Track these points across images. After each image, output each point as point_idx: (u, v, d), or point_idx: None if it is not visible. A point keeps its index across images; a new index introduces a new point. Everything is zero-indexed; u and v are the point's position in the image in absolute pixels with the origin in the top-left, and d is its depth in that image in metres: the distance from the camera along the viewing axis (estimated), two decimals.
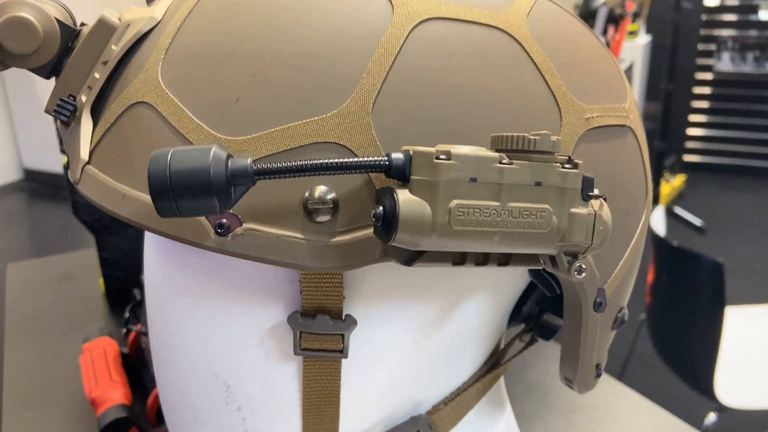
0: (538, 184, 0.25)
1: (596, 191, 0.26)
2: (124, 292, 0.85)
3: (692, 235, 2.85)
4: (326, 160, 0.24)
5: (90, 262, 1.03)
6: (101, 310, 0.89)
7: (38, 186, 3.57)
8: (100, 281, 0.91)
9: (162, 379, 0.37)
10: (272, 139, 0.26)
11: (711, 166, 3.52)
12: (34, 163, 3.60)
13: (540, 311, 0.39)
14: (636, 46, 3.06)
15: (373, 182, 0.26)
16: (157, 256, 0.34)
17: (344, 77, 0.27)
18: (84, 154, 0.30)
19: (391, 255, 0.26)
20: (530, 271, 0.34)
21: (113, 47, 0.31)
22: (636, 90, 3.13)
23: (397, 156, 0.24)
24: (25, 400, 0.72)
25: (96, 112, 0.31)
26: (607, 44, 2.15)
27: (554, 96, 0.29)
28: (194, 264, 0.32)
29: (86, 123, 0.31)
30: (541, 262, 0.27)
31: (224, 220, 0.26)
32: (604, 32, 2.25)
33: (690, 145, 3.54)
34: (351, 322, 0.30)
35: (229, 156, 0.24)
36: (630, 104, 0.34)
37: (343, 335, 0.30)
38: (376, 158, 0.24)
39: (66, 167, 0.33)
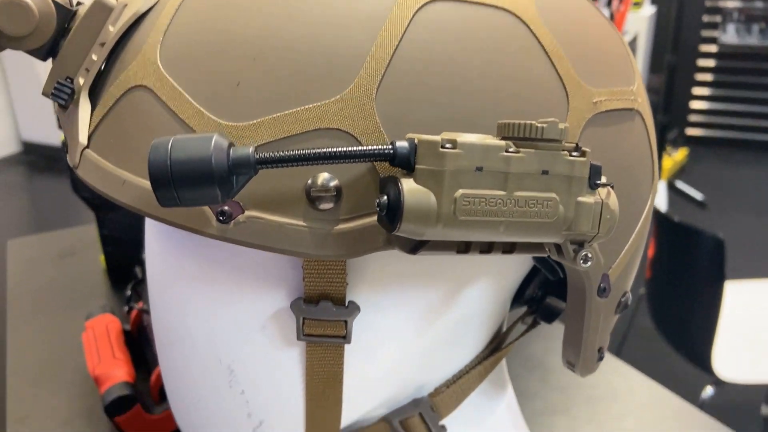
0: (545, 172, 0.24)
1: (604, 179, 0.25)
2: (125, 268, 0.85)
3: (693, 209, 2.84)
4: (329, 149, 0.23)
5: (90, 238, 1.03)
6: (102, 287, 0.89)
7: (37, 159, 3.55)
8: (101, 258, 0.91)
9: (165, 362, 0.37)
10: (274, 125, 0.26)
11: (714, 140, 3.50)
12: (33, 135, 3.58)
13: (543, 294, 0.39)
14: (640, 17, 3.02)
15: (377, 170, 0.26)
16: (159, 241, 0.34)
17: (347, 61, 0.26)
18: (83, 138, 0.30)
19: (395, 243, 0.26)
20: (534, 256, 0.34)
21: (110, 28, 0.30)
22: (640, 62, 3.10)
23: (402, 144, 0.23)
24: (29, 376, 0.72)
25: (94, 95, 0.31)
26: (611, 16, 2.12)
27: (562, 80, 0.29)
28: (196, 250, 0.31)
29: (84, 106, 0.30)
30: (547, 250, 0.27)
31: (226, 208, 0.26)
32: (609, 3, 2.22)
33: (693, 118, 3.52)
34: (354, 308, 0.30)
35: (231, 144, 0.23)
36: (638, 87, 0.33)
37: (346, 321, 0.30)
38: (380, 147, 0.23)
39: (64, 144, 0.33)
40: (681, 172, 3.18)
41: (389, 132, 0.26)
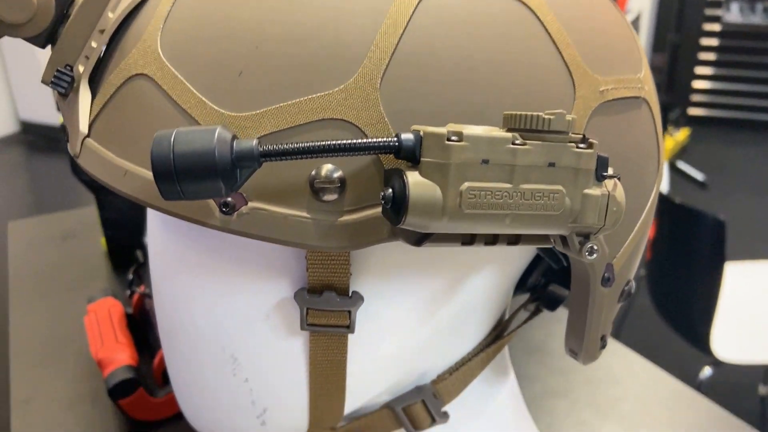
0: (552, 164, 0.24)
1: (610, 171, 0.25)
2: (126, 251, 0.85)
3: (694, 189, 2.84)
4: (334, 142, 0.23)
5: (91, 220, 1.03)
6: (104, 269, 0.89)
7: (36, 139, 3.54)
8: (102, 240, 0.91)
9: (168, 350, 0.37)
10: (277, 115, 0.25)
11: (716, 120, 3.48)
12: (31, 115, 3.56)
13: (545, 282, 0.39)
14: None
15: (381, 161, 0.25)
16: (162, 230, 0.34)
17: (351, 51, 0.26)
18: (83, 127, 0.30)
19: (400, 235, 0.26)
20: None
21: (110, 14, 0.30)
22: (642, 41, 3.07)
23: (407, 137, 0.23)
24: (33, 358, 0.73)
25: (94, 83, 0.30)
26: None
27: (568, 68, 0.28)
28: (199, 240, 0.31)
29: (84, 94, 0.30)
30: (552, 241, 0.27)
31: (229, 199, 0.25)
32: None
33: (695, 98, 3.49)
34: (358, 298, 0.30)
35: (234, 137, 0.23)
36: (645, 74, 0.33)
37: (349, 311, 0.30)
38: (385, 139, 0.23)
39: (65, 132, 0.32)
40: (682, 152, 3.17)
41: (394, 122, 0.26)
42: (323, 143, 0.23)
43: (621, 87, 0.30)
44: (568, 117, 0.24)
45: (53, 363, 0.72)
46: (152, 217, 0.35)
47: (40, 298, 0.83)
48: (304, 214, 0.26)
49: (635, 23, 2.79)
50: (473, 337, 0.37)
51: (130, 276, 0.70)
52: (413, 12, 0.26)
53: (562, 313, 0.37)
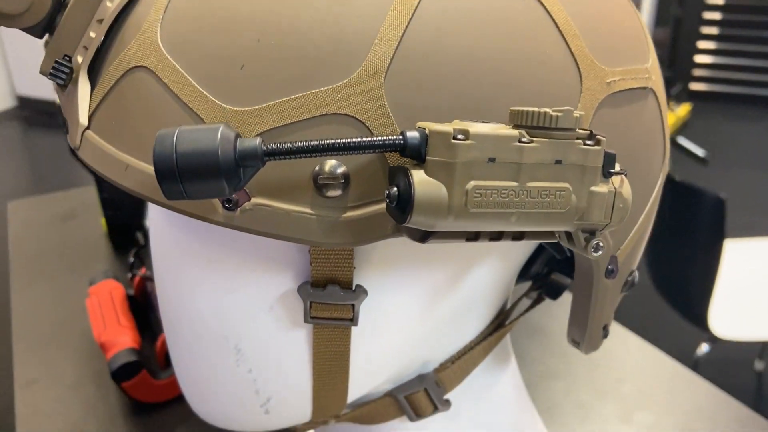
0: (558, 162, 0.24)
1: (617, 167, 0.25)
2: (126, 232, 0.85)
3: (695, 165, 2.83)
4: (338, 141, 0.23)
5: (91, 201, 1.03)
6: (104, 250, 0.89)
7: (33, 114, 3.52)
8: (102, 221, 0.91)
9: (171, 338, 0.37)
10: (280, 110, 0.25)
11: (717, 95, 3.46)
12: (28, 89, 3.53)
13: (548, 271, 0.39)
14: None
15: (385, 157, 0.25)
16: (164, 221, 0.34)
17: (355, 44, 0.25)
18: (83, 119, 0.29)
19: (404, 232, 0.26)
20: None
21: (108, 4, 0.29)
22: (645, 16, 3.03)
23: (413, 135, 0.23)
24: (35, 340, 0.73)
25: (93, 74, 0.30)
26: None
27: (575, 59, 0.28)
28: (201, 232, 0.31)
29: (83, 85, 0.29)
30: (557, 237, 0.27)
31: (233, 195, 0.25)
32: None
33: (697, 72, 3.46)
34: (361, 292, 0.30)
35: (238, 135, 0.23)
36: (652, 64, 0.32)
37: (353, 305, 0.30)
38: (390, 137, 0.23)
39: (64, 123, 0.32)
40: (683, 128, 3.16)
41: (398, 117, 0.25)
42: (327, 142, 0.23)
43: (628, 78, 0.30)
44: (576, 114, 0.23)
45: (56, 344, 0.72)
46: (154, 208, 0.35)
47: (41, 279, 0.84)
48: (308, 210, 0.26)
49: None
50: (475, 327, 0.37)
51: (131, 259, 0.70)
52: (418, 4, 0.26)
53: (563, 296, 0.38)
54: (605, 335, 0.35)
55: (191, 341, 0.35)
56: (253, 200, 0.26)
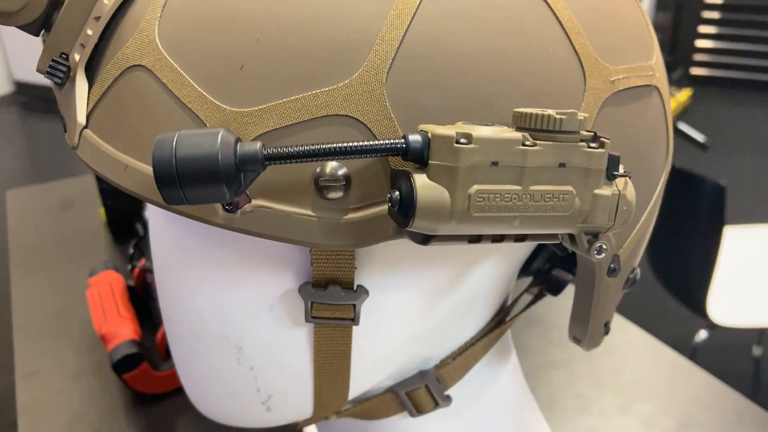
0: (562, 165, 0.23)
1: (621, 169, 0.25)
2: (125, 222, 0.85)
3: (695, 151, 2.83)
4: (339, 144, 0.22)
5: (90, 189, 1.02)
6: (104, 240, 0.89)
7: (31, 99, 3.50)
8: (101, 210, 0.90)
9: (172, 336, 0.37)
10: (280, 111, 0.25)
11: (718, 80, 3.44)
12: (25, 75, 3.51)
13: (549, 267, 0.39)
14: None
15: (387, 158, 0.25)
16: (164, 221, 0.33)
17: (356, 44, 0.25)
18: (81, 117, 0.29)
19: (406, 234, 0.25)
20: None
21: (105, 1, 0.29)
22: (646, 0, 3.01)
23: (415, 138, 0.23)
24: (36, 331, 0.73)
25: (90, 72, 0.29)
26: None
27: (579, 58, 0.27)
28: (202, 232, 0.31)
29: (81, 84, 0.29)
30: (560, 238, 0.27)
31: (233, 200, 0.25)
32: None
33: (698, 57, 3.44)
34: (362, 292, 0.30)
35: (238, 140, 0.22)
36: (657, 60, 0.32)
37: (354, 305, 0.30)
38: (392, 141, 0.23)
39: (62, 121, 0.32)
40: (683, 114, 3.14)
41: (400, 118, 0.25)
42: (328, 146, 0.22)
43: (632, 76, 0.29)
44: (580, 116, 0.23)
45: (56, 335, 0.72)
46: (154, 207, 0.35)
47: (40, 270, 0.84)
48: (309, 212, 0.25)
49: None
50: (476, 324, 0.37)
51: (131, 250, 0.70)
52: (420, 2, 0.25)
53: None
54: (606, 332, 0.35)
55: (192, 339, 0.35)
56: (254, 202, 0.25)
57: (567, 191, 0.24)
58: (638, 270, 0.35)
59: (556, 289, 0.39)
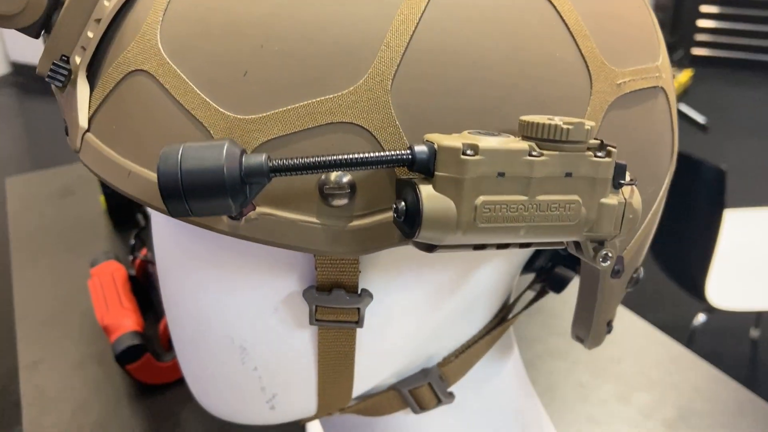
0: (569, 174, 0.23)
1: (628, 177, 0.25)
2: (125, 210, 0.84)
3: (695, 133, 2.82)
4: (345, 156, 0.22)
5: (89, 176, 1.02)
6: (104, 228, 0.89)
7: (28, 81, 3.47)
8: (101, 198, 0.90)
9: (177, 335, 0.37)
10: (285, 118, 0.25)
11: (720, 60, 3.42)
12: (22, 55, 3.48)
13: (552, 265, 0.39)
14: None
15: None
16: (167, 224, 0.33)
17: (361, 50, 0.24)
18: (83, 121, 0.29)
19: (411, 241, 0.25)
20: None
21: (105, 3, 0.28)
22: None
23: (421, 149, 0.22)
24: (38, 320, 0.74)
25: (92, 74, 0.29)
26: None
27: (585, 61, 0.27)
28: (206, 236, 0.31)
29: (82, 87, 0.29)
30: (565, 244, 0.27)
31: (238, 212, 0.25)
32: None
33: (700, 37, 3.42)
34: (366, 295, 0.30)
35: (243, 151, 0.22)
36: (663, 61, 0.31)
37: (359, 308, 0.30)
38: (398, 152, 0.22)
39: (64, 123, 0.31)
40: (684, 94, 3.13)
41: (405, 125, 0.25)
42: (334, 158, 0.22)
43: (638, 78, 0.29)
44: (587, 125, 0.23)
45: (59, 324, 0.73)
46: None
47: (42, 258, 0.84)
48: (314, 219, 0.25)
49: None
50: (479, 322, 0.37)
51: (132, 241, 0.70)
52: (425, 7, 0.25)
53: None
54: (609, 331, 0.35)
55: (196, 339, 0.35)
56: (259, 209, 0.25)
57: (573, 201, 0.23)
58: (641, 269, 0.35)
59: (559, 286, 0.39)
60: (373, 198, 0.25)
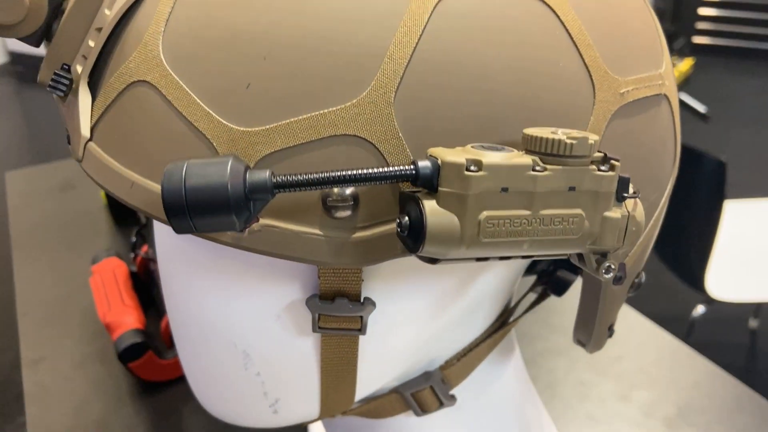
0: (572, 189, 0.23)
1: (631, 190, 0.25)
2: (126, 205, 0.84)
3: (695, 122, 2.81)
4: (349, 172, 0.22)
5: None
6: (105, 223, 0.89)
7: (26, 70, 3.45)
8: (102, 192, 0.90)
9: (179, 339, 0.37)
10: (288, 131, 0.25)
11: (721, 49, 3.40)
12: (20, 45, 3.46)
13: (554, 268, 0.39)
14: None
15: None
16: (170, 232, 0.33)
17: (363, 62, 0.24)
18: (85, 130, 0.29)
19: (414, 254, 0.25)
20: None
21: (106, 12, 0.28)
22: None
23: (425, 165, 0.22)
24: (40, 317, 0.74)
25: (93, 83, 0.29)
26: None
27: (588, 71, 0.27)
28: (209, 244, 0.31)
29: (84, 96, 0.29)
30: (568, 256, 0.27)
31: (242, 228, 0.25)
32: None
33: (701, 26, 3.40)
34: (369, 304, 0.30)
35: (247, 168, 0.22)
36: (666, 68, 0.31)
37: (361, 317, 0.30)
38: (402, 168, 0.22)
39: (66, 132, 0.31)
40: (685, 84, 3.11)
41: (408, 138, 0.25)
42: (337, 174, 0.22)
43: (642, 86, 0.29)
44: (591, 140, 0.23)
45: (61, 322, 0.73)
46: None
47: (42, 253, 0.84)
48: (317, 231, 0.25)
49: None
50: (481, 326, 0.37)
51: (133, 238, 0.70)
52: (429, 18, 0.25)
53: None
54: (610, 335, 0.36)
55: (199, 344, 0.35)
56: (262, 221, 0.25)
57: (576, 215, 0.23)
58: (643, 274, 0.35)
59: (560, 289, 0.39)
60: (377, 210, 0.25)
